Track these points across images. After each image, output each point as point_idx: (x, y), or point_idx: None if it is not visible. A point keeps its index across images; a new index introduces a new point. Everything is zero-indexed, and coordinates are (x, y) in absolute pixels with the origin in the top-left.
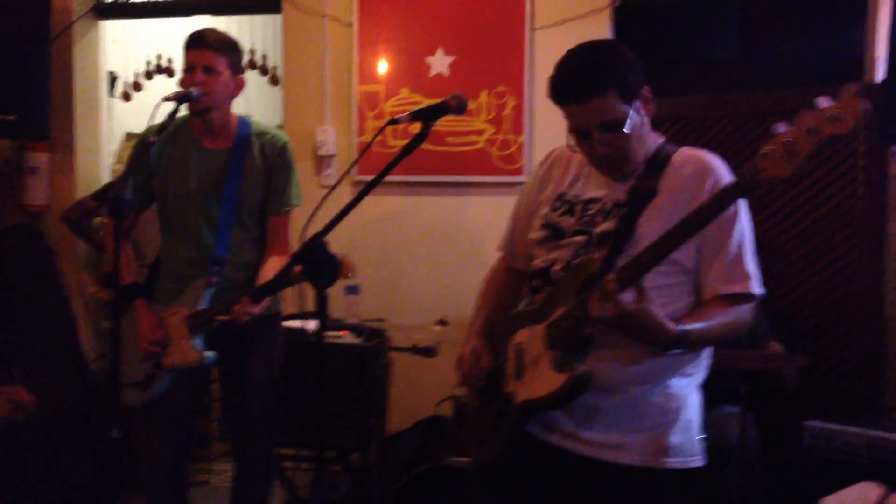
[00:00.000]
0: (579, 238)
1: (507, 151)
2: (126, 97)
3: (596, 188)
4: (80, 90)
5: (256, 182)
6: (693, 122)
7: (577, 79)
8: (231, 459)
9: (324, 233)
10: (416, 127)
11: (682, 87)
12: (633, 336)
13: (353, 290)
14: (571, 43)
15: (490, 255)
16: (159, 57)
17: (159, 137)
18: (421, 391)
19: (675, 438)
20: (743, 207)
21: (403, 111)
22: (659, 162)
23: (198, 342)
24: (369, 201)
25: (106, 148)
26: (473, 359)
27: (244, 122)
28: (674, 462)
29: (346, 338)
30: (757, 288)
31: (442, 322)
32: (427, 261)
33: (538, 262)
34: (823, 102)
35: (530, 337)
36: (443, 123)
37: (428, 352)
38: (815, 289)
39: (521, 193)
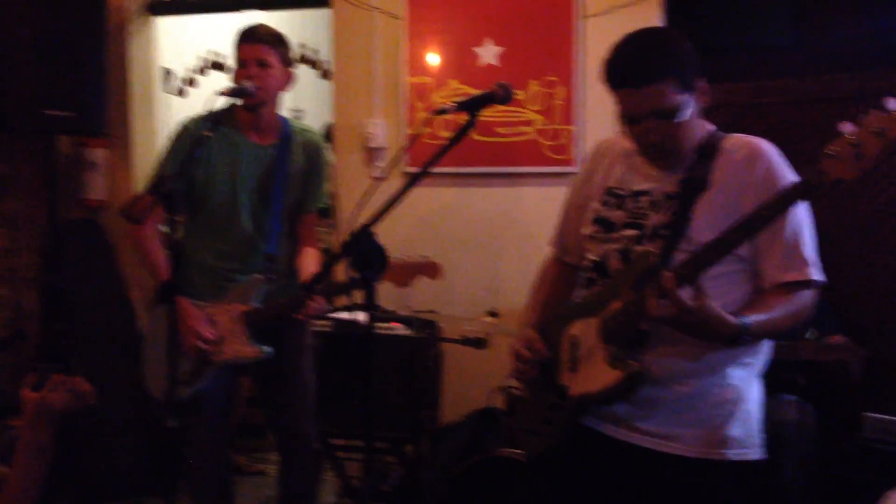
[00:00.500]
0: (630, 231)
1: (558, 142)
2: (180, 92)
3: (645, 180)
4: (136, 86)
5: (297, 180)
6: (745, 109)
7: (637, 63)
8: None
9: (371, 224)
10: (465, 117)
11: (735, 74)
12: (693, 333)
13: None
14: (622, 31)
15: (541, 247)
16: (212, 52)
17: (215, 131)
18: (472, 382)
19: (734, 430)
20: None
21: (453, 102)
22: (709, 151)
23: (254, 339)
24: (420, 193)
25: (161, 142)
26: (527, 351)
27: (284, 120)
28: (732, 454)
29: (398, 329)
30: (817, 274)
31: (492, 313)
32: (477, 252)
33: (592, 255)
34: (892, 104)
35: (585, 330)
36: (492, 114)
37: (478, 343)
38: (875, 280)
39: (571, 187)
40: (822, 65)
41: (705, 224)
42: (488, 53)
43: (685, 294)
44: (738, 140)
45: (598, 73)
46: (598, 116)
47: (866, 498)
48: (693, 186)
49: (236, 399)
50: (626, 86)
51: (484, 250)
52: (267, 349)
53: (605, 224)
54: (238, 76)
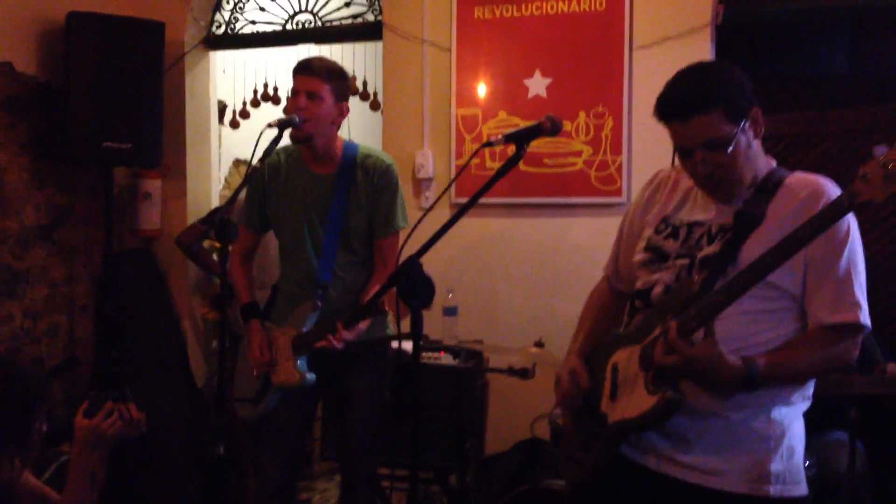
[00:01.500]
0: (682, 262)
1: (606, 172)
2: (234, 125)
3: (701, 212)
4: (192, 118)
5: (361, 205)
6: (800, 140)
7: (682, 97)
8: (332, 478)
9: (419, 254)
10: (513, 149)
11: (789, 104)
12: (703, 382)
13: (450, 311)
14: (671, 63)
15: (588, 277)
16: (266, 85)
17: (265, 163)
18: (518, 412)
19: (777, 466)
20: (854, 232)
21: (500, 134)
22: (769, 186)
23: (301, 363)
24: (469, 223)
25: (216, 174)
26: (571, 379)
27: (350, 146)
28: (775, 490)
29: (444, 359)
30: (865, 318)
31: (539, 344)
32: (525, 282)
33: (640, 283)
34: None
35: (627, 358)
36: (541, 145)
37: (524, 373)
38: None
39: (626, 214)
40: (878, 94)
41: (755, 256)
42: (537, 85)
43: (694, 340)
44: (800, 178)
45: (652, 110)
46: (646, 147)
47: None
48: (748, 220)
49: (305, 424)
50: (674, 119)
51: (531, 280)
52: (310, 376)
53: (657, 252)
54: (290, 107)
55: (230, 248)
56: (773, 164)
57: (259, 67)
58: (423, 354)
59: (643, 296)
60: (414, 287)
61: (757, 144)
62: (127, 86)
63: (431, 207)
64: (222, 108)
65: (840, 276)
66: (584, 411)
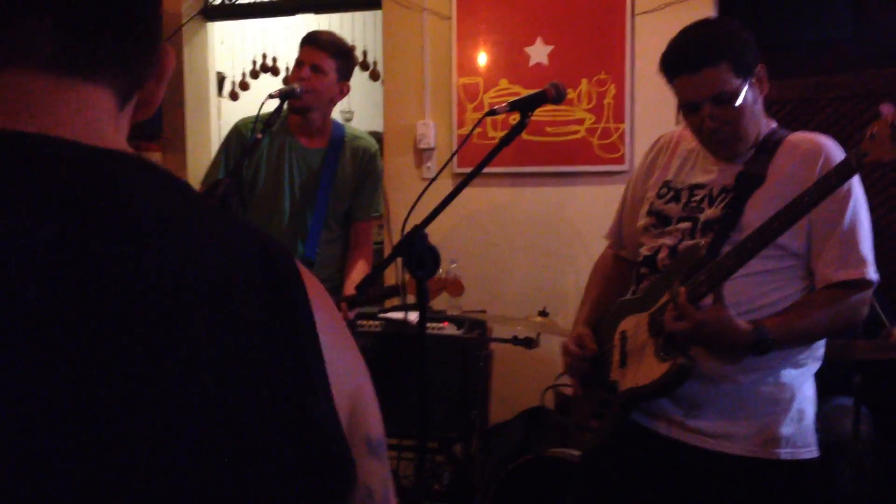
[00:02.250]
0: (685, 225)
1: (609, 140)
2: (234, 96)
3: (702, 173)
4: (191, 90)
5: (346, 187)
6: (803, 105)
7: (691, 49)
8: None
9: (424, 225)
10: (515, 117)
11: (792, 69)
12: (713, 347)
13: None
14: (673, 28)
15: (592, 246)
16: (265, 56)
17: (266, 133)
18: (522, 382)
19: (787, 429)
20: (857, 188)
21: (503, 102)
22: (770, 146)
23: None
24: (471, 193)
25: (216, 146)
26: (578, 347)
27: (338, 125)
28: (785, 453)
29: (448, 329)
30: (872, 273)
31: (543, 313)
32: (528, 252)
33: (645, 249)
34: None
35: (635, 325)
36: (542, 113)
37: (529, 343)
38: None
39: (629, 181)
40: (883, 58)
41: (758, 217)
42: (538, 52)
43: (703, 305)
44: (799, 137)
45: (657, 67)
46: (648, 114)
47: None
48: (749, 180)
49: None
50: (682, 72)
51: (534, 250)
52: None
53: (659, 217)
54: (292, 76)
55: None
56: (774, 125)
57: (258, 38)
58: (427, 325)
59: (649, 262)
60: (419, 257)
61: (760, 103)
62: None
63: (435, 178)
64: (221, 79)
65: (845, 233)
66: (594, 380)
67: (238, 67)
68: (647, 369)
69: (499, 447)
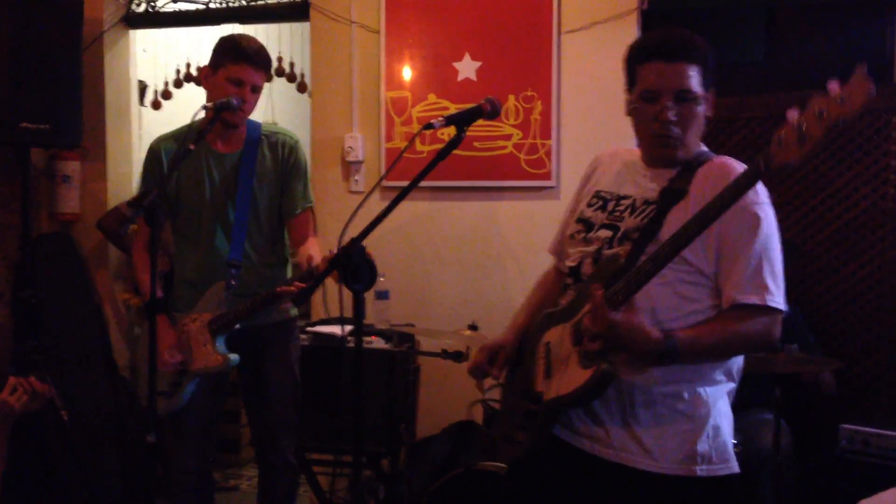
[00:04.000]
0: (605, 233)
1: (535, 156)
2: (156, 105)
3: (631, 186)
4: (111, 99)
5: (269, 182)
6: (721, 124)
7: (674, 41)
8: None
9: (361, 238)
10: (443, 132)
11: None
12: (623, 348)
13: (382, 295)
14: (599, 46)
15: (520, 260)
16: (188, 66)
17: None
18: (450, 396)
19: (703, 445)
20: (768, 217)
21: (431, 117)
22: (695, 165)
23: (220, 345)
24: (399, 206)
25: (136, 156)
26: (492, 350)
27: (253, 125)
28: (701, 470)
29: (376, 343)
30: (774, 302)
31: (473, 327)
32: (456, 266)
33: (570, 260)
34: (833, 86)
35: (560, 336)
36: (471, 128)
37: (458, 356)
38: (847, 291)
39: (572, 196)
40: (795, 81)
41: (674, 231)
42: (467, 68)
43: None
44: (723, 159)
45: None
46: (575, 131)
47: None
48: (672, 195)
49: (216, 414)
50: (657, 58)
51: (462, 264)
52: (233, 357)
53: (585, 223)
54: (226, 92)
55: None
56: (704, 148)
57: (181, 47)
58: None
59: (574, 272)
60: (356, 270)
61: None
62: (44, 65)
63: (370, 194)
64: (143, 88)
65: (752, 259)
66: (519, 392)
67: (161, 76)
68: (570, 377)
69: (427, 461)
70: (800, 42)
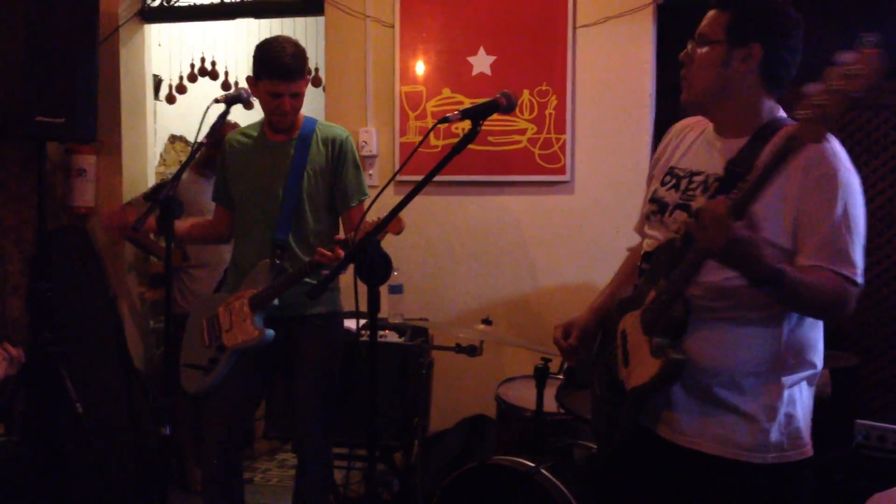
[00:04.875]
0: (680, 214)
1: (550, 150)
2: (171, 100)
3: (704, 161)
4: (126, 93)
5: (320, 173)
6: None
7: None
8: (273, 458)
9: (376, 231)
10: (458, 126)
11: None
12: (731, 265)
13: (396, 289)
14: (614, 41)
15: (533, 255)
16: (203, 60)
17: (226, 141)
18: (463, 390)
19: (776, 434)
20: (848, 185)
21: (445, 111)
22: (767, 134)
23: (258, 321)
24: (413, 201)
25: (151, 150)
26: (566, 327)
27: (310, 120)
28: (773, 457)
29: (390, 337)
30: (855, 275)
31: (486, 321)
32: (470, 260)
33: (647, 244)
34: (844, 57)
35: (633, 323)
36: (485, 123)
37: (472, 351)
38: (867, 287)
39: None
40: (808, 72)
41: None
42: (481, 62)
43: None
44: (788, 128)
45: (594, 88)
46: (589, 126)
47: None
48: (737, 170)
49: (250, 401)
50: (710, 6)
51: (476, 258)
52: (269, 332)
53: (660, 204)
54: (271, 104)
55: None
56: (781, 112)
57: (196, 41)
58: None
59: (647, 258)
60: (371, 264)
61: (746, 81)
62: (59, 59)
63: (384, 188)
64: (158, 82)
65: (830, 230)
66: (608, 382)
67: (175, 70)
68: (645, 367)
69: (440, 455)
70: (813, 34)
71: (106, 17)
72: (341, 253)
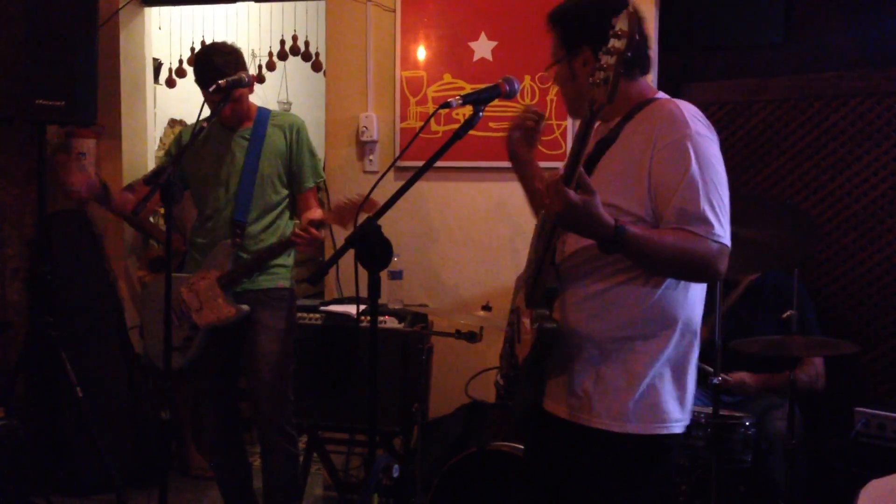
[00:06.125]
0: None
1: (551, 137)
2: (170, 83)
3: (589, 146)
4: (126, 77)
5: (275, 156)
6: (739, 107)
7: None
8: None
9: (377, 217)
10: (458, 112)
11: (727, 72)
12: (574, 229)
13: (396, 275)
14: None
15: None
16: (203, 43)
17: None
18: (462, 376)
19: (634, 403)
20: (699, 147)
21: (446, 97)
22: (633, 112)
23: (231, 298)
24: (414, 187)
25: (151, 133)
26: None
27: (263, 110)
28: (632, 427)
29: (389, 323)
30: (714, 235)
31: (486, 307)
32: (470, 246)
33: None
34: (612, 21)
35: (521, 299)
36: (486, 109)
37: (472, 337)
38: (865, 275)
39: None
40: (813, 63)
41: (599, 179)
42: (482, 48)
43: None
44: (661, 102)
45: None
46: None
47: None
48: (604, 143)
49: (237, 366)
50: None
51: (476, 244)
52: (244, 307)
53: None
54: (217, 105)
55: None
56: (657, 94)
57: (196, 24)
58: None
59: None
60: (371, 249)
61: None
62: (59, 42)
63: (385, 174)
64: (158, 66)
65: (685, 192)
66: (511, 361)
67: (175, 54)
68: (527, 340)
69: (439, 441)
70: (819, 23)
71: (106, 1)
72: (316, 233)
